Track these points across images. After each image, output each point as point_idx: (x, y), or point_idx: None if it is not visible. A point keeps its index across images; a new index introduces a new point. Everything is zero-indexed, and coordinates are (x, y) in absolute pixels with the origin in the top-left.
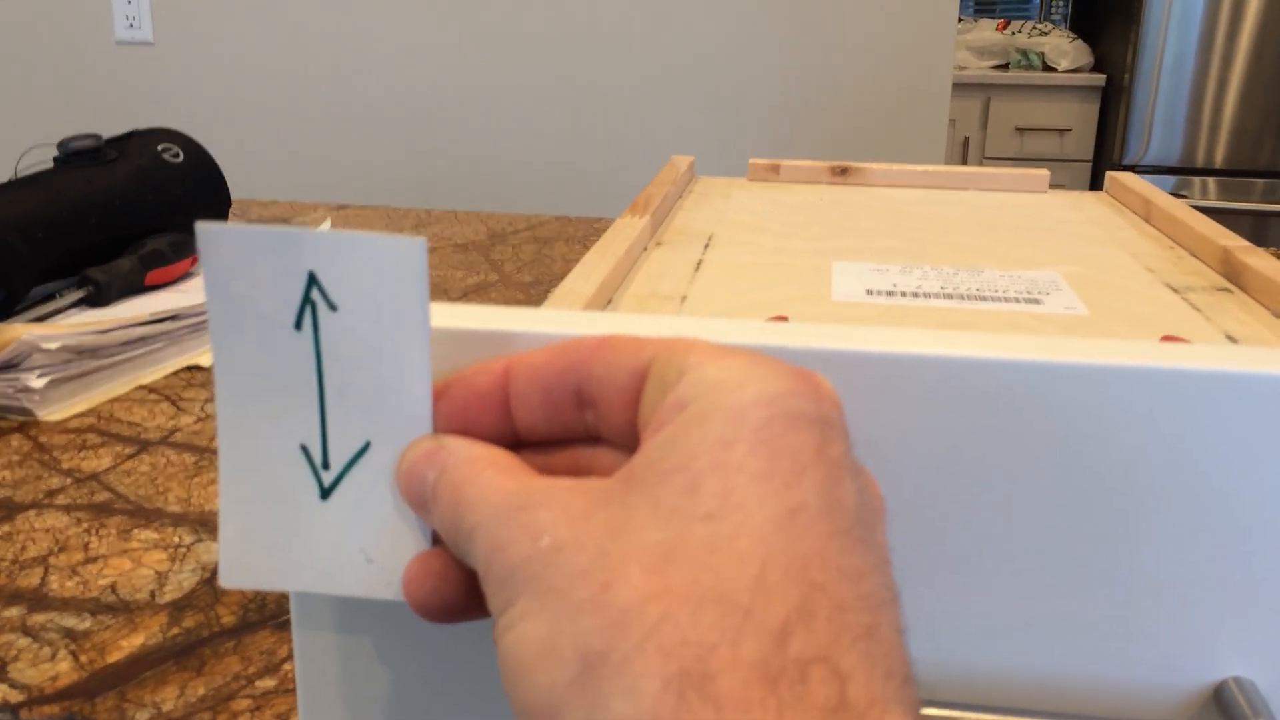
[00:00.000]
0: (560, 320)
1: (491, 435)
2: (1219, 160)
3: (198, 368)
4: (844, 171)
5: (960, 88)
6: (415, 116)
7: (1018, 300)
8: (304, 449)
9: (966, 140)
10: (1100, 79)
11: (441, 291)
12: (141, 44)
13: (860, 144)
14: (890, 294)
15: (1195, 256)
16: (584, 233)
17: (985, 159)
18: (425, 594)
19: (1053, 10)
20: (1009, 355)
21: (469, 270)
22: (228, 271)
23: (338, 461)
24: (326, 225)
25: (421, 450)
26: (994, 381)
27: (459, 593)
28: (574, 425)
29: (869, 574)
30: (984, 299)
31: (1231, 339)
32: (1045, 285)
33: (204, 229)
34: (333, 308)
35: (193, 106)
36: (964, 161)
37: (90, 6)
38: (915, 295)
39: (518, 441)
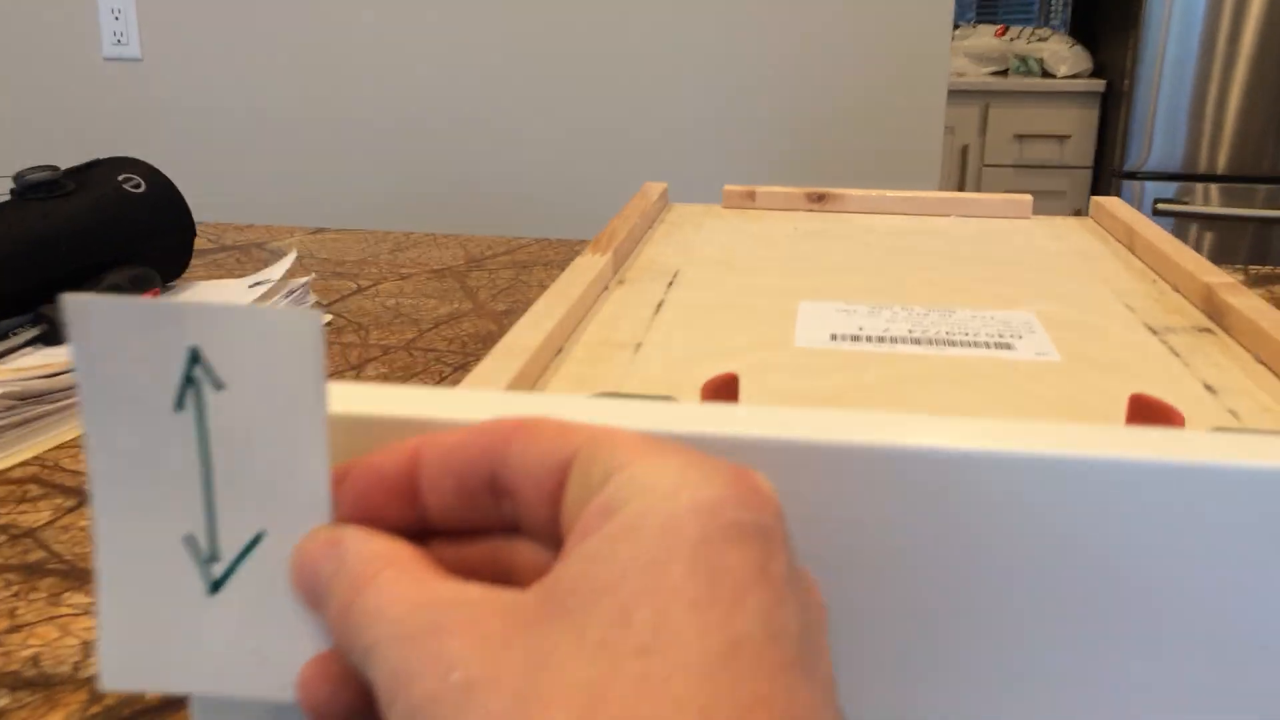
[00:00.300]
0: (470, 403)
1: (399, 524)
2: (1221, 166)
3: None
4: (821, 198)
5: (958, 95)
6: (404, 134)
7: (988, 345)
8: (190, 540)
9: (965, 148)
10: (1100, 85)
11: (413, 322)
12: (129, 60)
13: (855, 154)
14: (855, 338)
15: (1178, 291)
16: (564, 256)
17: (984, 166)
18: (321, 700)
19: (1052, 15)
20: (949, 445)
21: (442, 299)
22: (100, 349)
23: (229, 553)
24: (292, 256)
25: (317, 542)
26: (934, 472)
27: (359, 700)
28: (490, 515)
29: (816, 712)
30: (953, 343)
31: (1209, 388)
32: (1018, 327)
33: (72, 302)
34: (219, 387)
35: (180, 123)
36: (963, 169)
37: (77, 23)
38: (881, 340)
39: (428, 529)
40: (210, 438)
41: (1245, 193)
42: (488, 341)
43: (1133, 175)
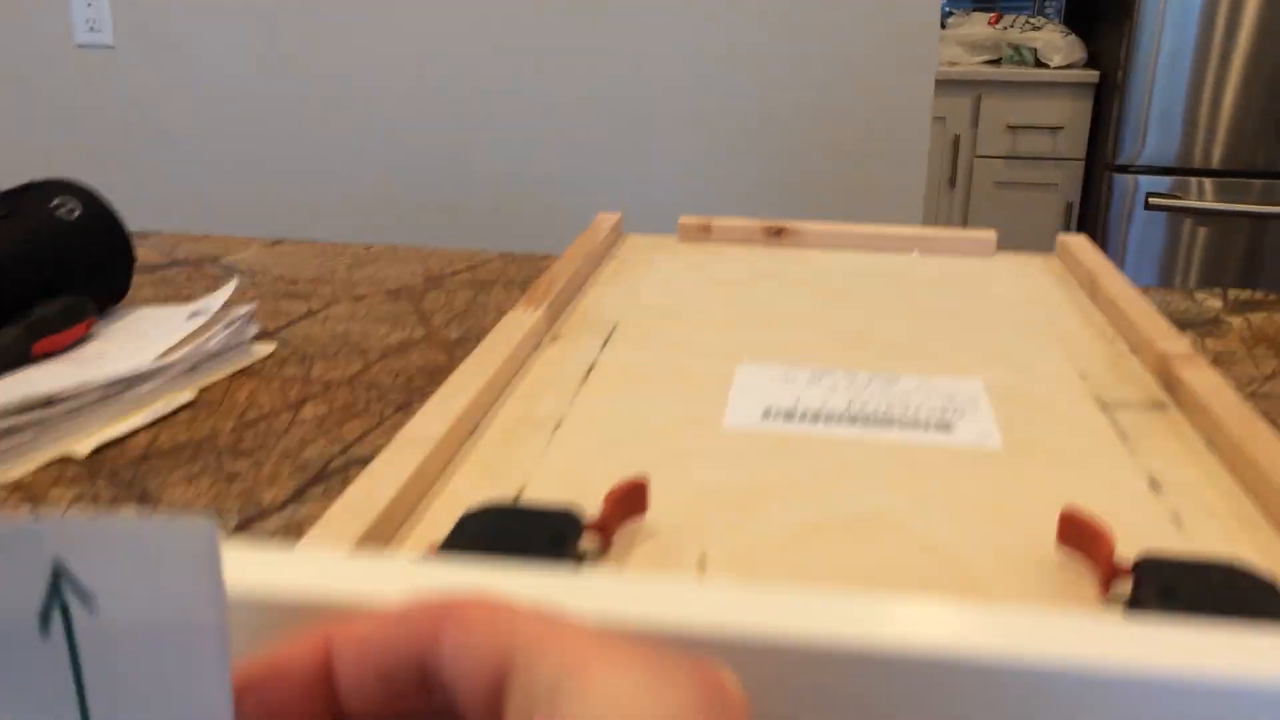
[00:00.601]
0: (348, 574)
1: None
2: (1216, 160)
3: (71, 459)
4: (779, 232)
5: (950, 84)
6: (380, 133)
7: (927, 426)
8: None
9: (957, 138)
10: (1093, 75)
11: (360, 352)
12: (102, 47)
13: (840, 147)
14: (789, 416)
15: (1136, 354)
16: (526, 274)
17: (976, 157)
18: None
19: (1046, 4)
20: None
21: (394, 324)
22: None
23: None
24: (233, 284)
25: None
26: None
27: None
28: (421, 706)
29: None
30: (891, 422)
31: (1154, 483)
32: (963, 402)
33: None
34: (93, 605)
35: (153, 113)
36: (954, 160)
37: (50, 9)
38: (816, 419)
39: None
40: (85, 658)
41: (1240, 187)
42: (435, 376)
43: (1126, 169)
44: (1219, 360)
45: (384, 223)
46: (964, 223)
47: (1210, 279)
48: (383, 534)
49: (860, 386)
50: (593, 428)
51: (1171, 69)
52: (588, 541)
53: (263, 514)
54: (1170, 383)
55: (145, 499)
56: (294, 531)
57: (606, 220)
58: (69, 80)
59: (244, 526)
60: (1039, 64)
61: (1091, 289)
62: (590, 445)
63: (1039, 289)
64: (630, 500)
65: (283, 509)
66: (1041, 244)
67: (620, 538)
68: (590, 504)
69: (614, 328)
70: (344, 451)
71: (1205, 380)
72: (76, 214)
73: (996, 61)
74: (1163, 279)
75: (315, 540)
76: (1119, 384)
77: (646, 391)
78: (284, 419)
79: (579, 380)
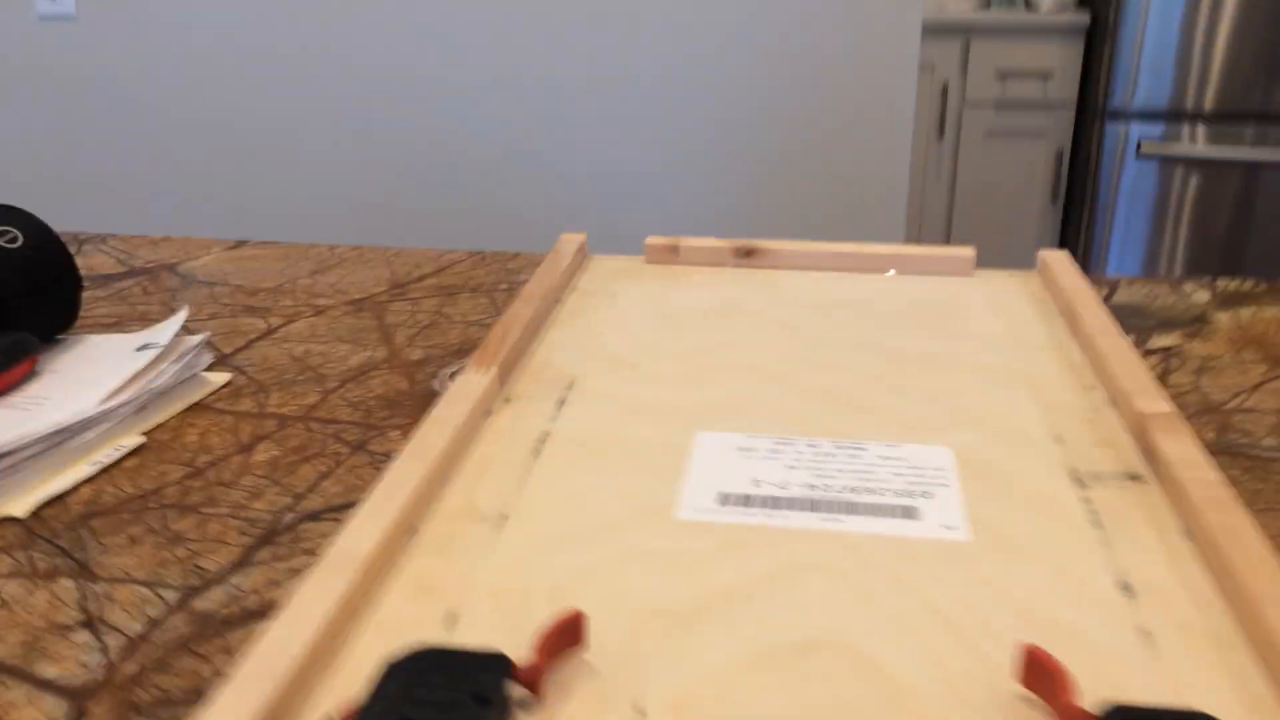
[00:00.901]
0: None
1: None
2: (1209, 104)
3: (11, 519)
4: (750, 253)
5: (939, 30)
6: (351, 112)
7: (892, 512)
8: None
9: (946, 85)
10: (1084, 19)
11: (319, 379)
12: (64, 18)
13: (824, 104)
14: (747, 501)
15: (1114, 405)
16: (495, 279)
17: (965, 104)
18: None
19: None
20: None
21: (356, 343)
22: None
23: None
24: (183, 315)
25: None
26: None
27: None
28: None
29: None
30: (854, 509)
31: (1126, 586)
32: (930, 479)
33: None
34: None
35: (118, 87)
36: (943, 108)
37: None
38: (775, 505)
39: None
40: None
41: (1232, 134)
42: (395, 407)
43: (1118, 115)
44: (1205, 368)
45: (357, 202)
46: (953, 174)
47: (1202, 227)
48: (299, 689)
49: (825, 458)
50: (539, 522)
51: (1164, 10)
52: (518, 688)
53: (206, 584)
54: (1149, 449)
55: (84, 570)
56: (235, 605)
57: (570, 242)
58: (32, 52)
59: (184, 603)
60: (1029, 6)
61: (1072, 322)
62: (534, 546)
63: (1018, 319)
64: (565, 637)
65: (225, 579)
66: (1030, 197)
67: (556, 676)
68: (529, 622)
69: (571, 385)
70: (295, 505)
71: (1184, 453)
72: (18, 242)
73: (986, 4)
74: (1154, 227)
75: (223, 709)
76: (1095, 449)
77: (599, 470)
78: (235, 464)
79: (531, 457)
